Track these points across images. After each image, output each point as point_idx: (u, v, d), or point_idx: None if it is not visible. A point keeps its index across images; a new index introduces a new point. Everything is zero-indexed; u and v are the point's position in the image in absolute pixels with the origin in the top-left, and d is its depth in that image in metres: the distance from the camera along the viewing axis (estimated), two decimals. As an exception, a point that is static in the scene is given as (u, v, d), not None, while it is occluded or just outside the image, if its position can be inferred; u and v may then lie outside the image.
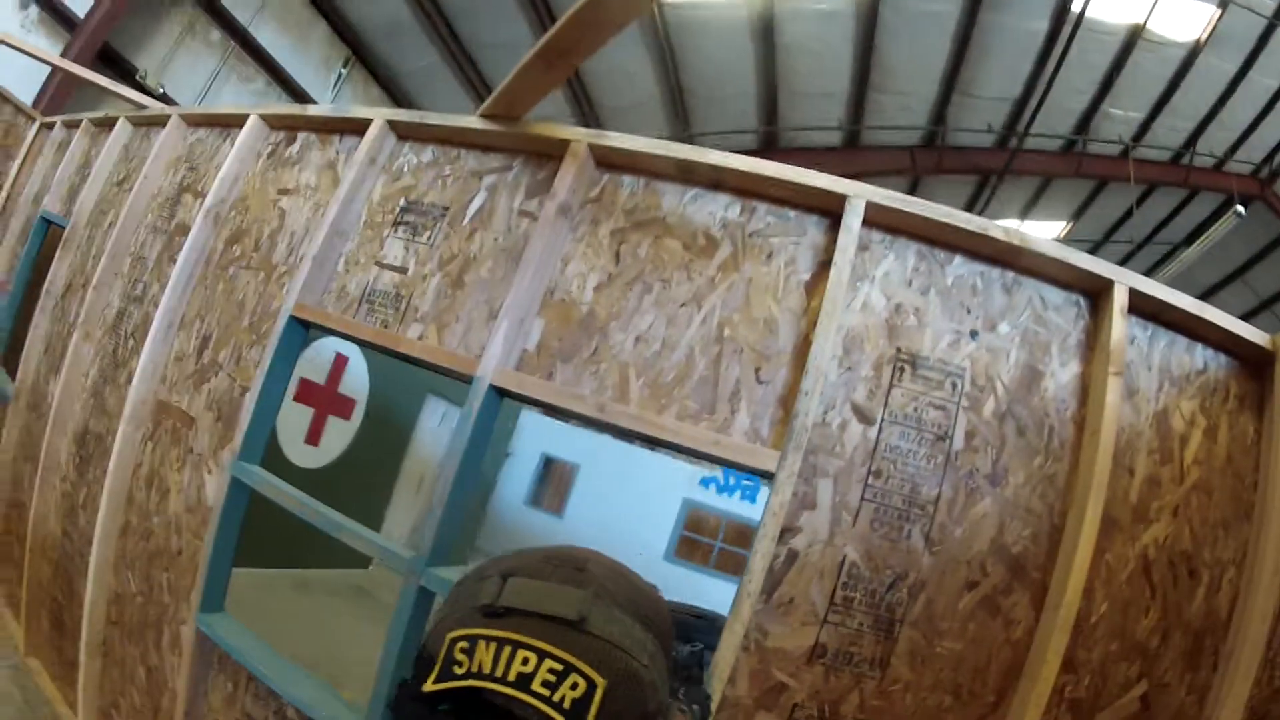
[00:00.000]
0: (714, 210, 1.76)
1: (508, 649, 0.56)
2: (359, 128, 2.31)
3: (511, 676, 0.55)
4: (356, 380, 5.46)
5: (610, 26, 1.48)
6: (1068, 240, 9.12)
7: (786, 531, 1.53)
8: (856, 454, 1.59)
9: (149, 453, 2.49)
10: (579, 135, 1.86)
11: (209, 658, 2.16)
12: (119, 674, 2.46)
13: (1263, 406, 1.84)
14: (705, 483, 9.93)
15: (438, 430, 7.49)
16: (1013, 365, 1.70)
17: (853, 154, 9.57)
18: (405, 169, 2.19)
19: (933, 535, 1.58)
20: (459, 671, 0.56)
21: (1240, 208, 6.25)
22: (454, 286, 1.96)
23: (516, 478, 10.63)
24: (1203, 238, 7.03)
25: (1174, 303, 1.75)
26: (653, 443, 1.62)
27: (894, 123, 9.13)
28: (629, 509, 9.89)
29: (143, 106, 4.11)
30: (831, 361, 1.61)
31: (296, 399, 4.98)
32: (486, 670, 0.55)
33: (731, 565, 9.86)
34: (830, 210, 1.72)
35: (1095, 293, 1.76)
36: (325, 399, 5.21)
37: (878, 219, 1.70)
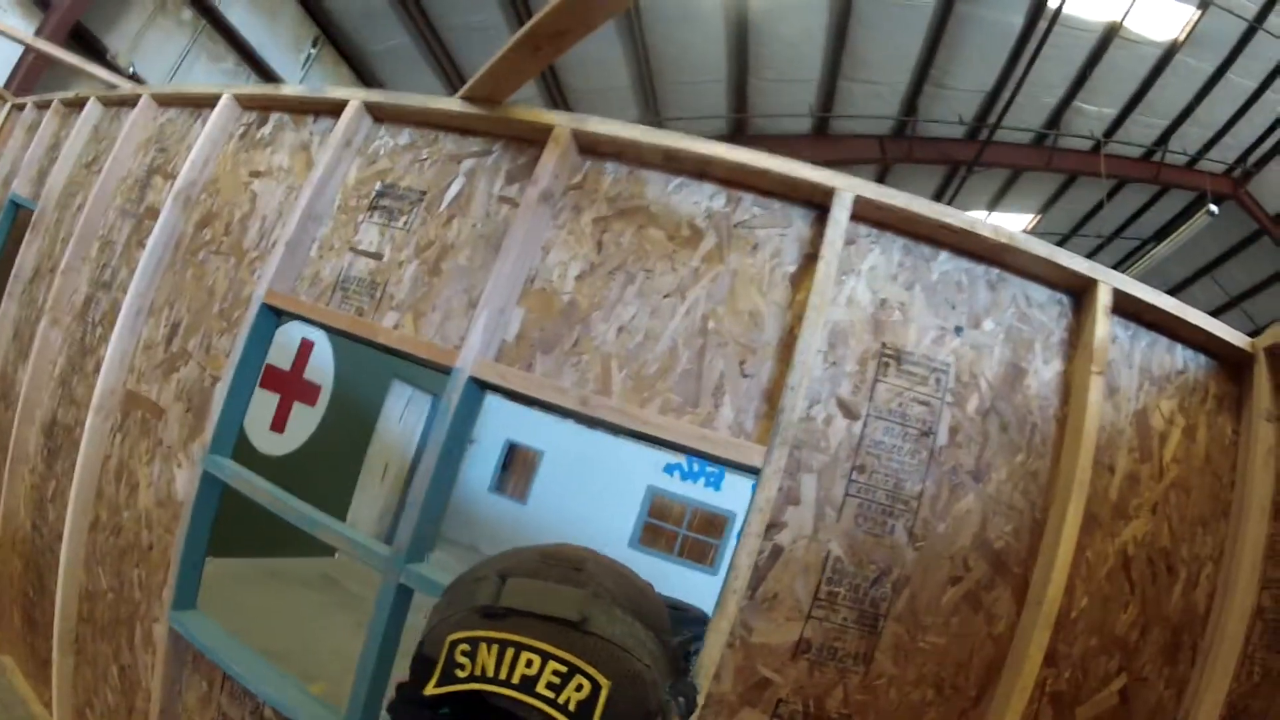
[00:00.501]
0: (699, 200, 1.73)
1: (510, 651, 0.55)
2: (335, 109, 2.24)
3: (515, 679, 0.54)
4: (322, 366, 5.37)
5: (603, 11, 1.44)
6: (1035, 232, 9.23)
7: (771, 527, 1.52)
8: (841, 449, 1.58)
9: (118, 445, 2.40)
10: (562, 121, 1.82)
11: (183, 656, 2.10)
12: (92, 673, 2.39)
13: (1241, 408, 1.87)
14: (669, 469, 9.88)
15: (403, 416, 7.39)
16: (997, 362, 1.70)
17: (822, 141, 9.52)
18: (381, 152, 2.13)
19: (916, 531, 1.58)
20: (461, 675, 0.55)
21: (1213, 207, 6.34)
22: (431, 274, 1.91)
23: (480, 464, 10.50)
24: (1175, 235, 7.12)
25: (1156, 303, 1.76)
26: (636, 437, 1.59)
27: (865, 111, 9.09)
28: (593, 496, 9.84)
29: (114, 86, 3.98)
30: (817, 356, 1.59)
31: (262, 385, 4.88)
32: (490, 673, 0.55)
33: (696, 552, 9.87)
34: (817, 203, 1.70)
35: (1079, 291, 1.77)
36: (291, 385, 5.11)
37: (865, 213, 1.69)
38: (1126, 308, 1.77)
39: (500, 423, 10.36)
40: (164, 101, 2.95)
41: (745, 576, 1.46)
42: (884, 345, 1.64)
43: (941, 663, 1.58)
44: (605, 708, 0.55)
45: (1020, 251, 1.70)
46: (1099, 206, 9.45)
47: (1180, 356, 1.85)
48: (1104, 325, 1.71)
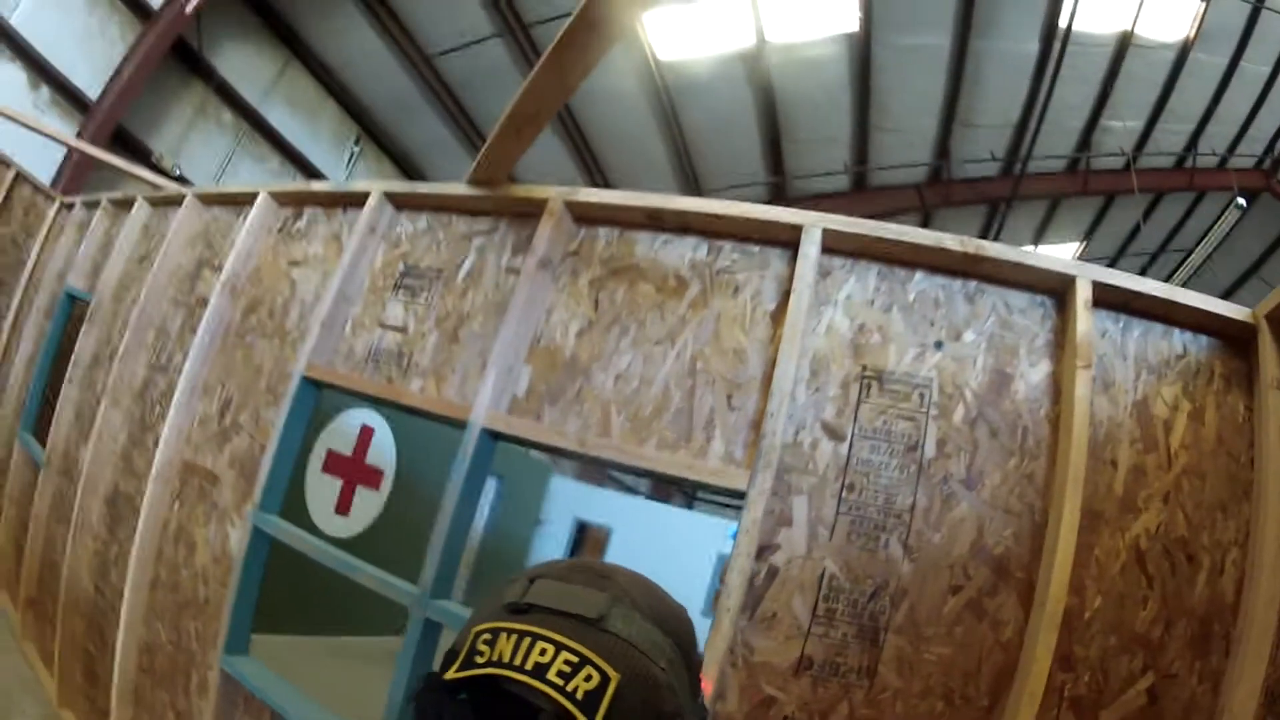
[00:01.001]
0: (683, 252, 1.88)
1: (527, 640, 0.58)
2: (360, 200, 2.51)
3: (529, 666, 0.57)
4: (384, 451, 5.65)
5: (562, 93, 1.62)
6: (1084, 258, 9.01)
7: (765, 549, 1.61)
8: (829, 470, 1.67)
9: (176, 510, 2.67)
10: (554, 194, 2.00)
11: (233, 699, 2.28)
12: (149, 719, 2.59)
13: (1251, 383, 1.80)
14: (734, 534, 9.83)
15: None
16: (980, 371, 1.76)
17: (861, 196, 9.67)
18: (403, 236, 2.37)
19: (910, 543, 1.64)
20: (480, 661, 0.58)
21: (1241, 200, 6.11)
22: (450, 341, 2.11)
23: (551, 544, 10.70)
24: (1207, 236, 6.88)
25: (1141, 290, 1.76)
26: (634, 472, 1.72)
27: (899, 161, 9.23)
28: (664, 567, 9.54)
29: (159, 187, 4.40)
30: (799, 384, 1.70)
31: (325, 470, 5.17)
32: (506, 660, 0.57)
33: None
34: (791, 241, 1.82)
35: (1060, 292, 1.80)
36: (353, 470, 5.40)
37: (836, 245, 1.80)
38: (1112, 299, 1.77)
39: (567, 501, 10.64)
40: (208, 201, 3.31)
41: (738, 595, 1.55)
42: (864, 368, 1.73)
43: (949, 673, 1.62)
44: (613, 701, 0.56)
45: (992, 260, 1.77)
46: (1140, 224, 9.26)
47: (1178, 340, 1.83)
48: (1085, 319, 1.73)
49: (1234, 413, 1.81)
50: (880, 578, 1.62)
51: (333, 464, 5.23)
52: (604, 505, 10.14)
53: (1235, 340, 1.82)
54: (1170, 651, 1.73)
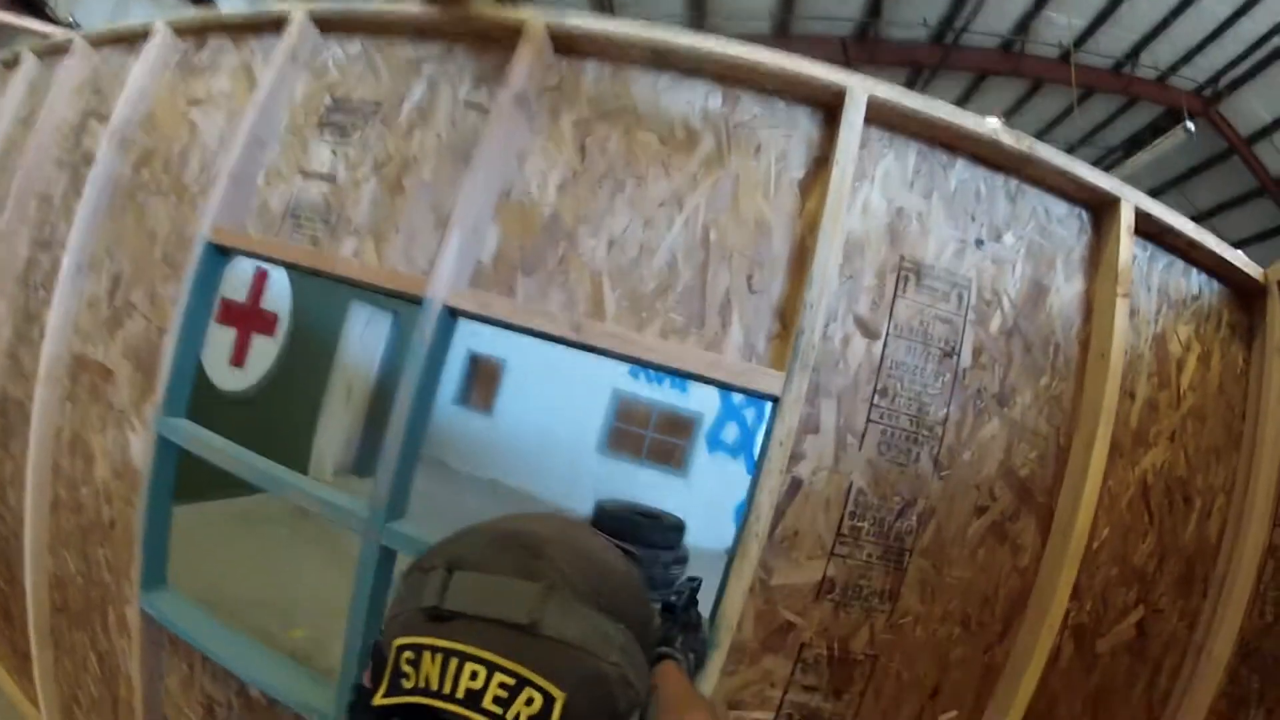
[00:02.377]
0: (692, 99, 1.47)
1: (454, 662, 0.49)
2: (278, 24, 1.90)
3: (460, 693, 0.48)
4: (279, 294, 4.94)
5: None
6: None
7: (789, 459, 1.29)
8: (861, 371, 1.35)
9: (70, 414, 2.06)
10: (535, 17, 1.53)
11: (159, 639, 1.84)
12: (72, 664, 2.10)
13: (1252, 337, 1.73)
14: (634, 372, 9.26)
15: (364, 336, 6.88)
16: (1019, 279, 1.49)
17: (782, 43, 8.81)
18: (330, 64, 1.80)
19: (941, 459, 1.37)
20: (407, 685, 0.50)
21: (1190, 124, 6.13)
22: (392, 192, 1.61)
23: (443, 377, 9.95)
24: (1149, 148, 6.88)
25: (1175, 226, 1.59)
26: (636, 364, 1.34)
27: (827, 13, 8.58)
28: (559, 403, 9.26)
29: (50, 37, 3.49)
30: (834, 270, 1.36)
31: (218, 320, 4.46)
32: (434, 685, 0.49)
33: (663, 454, 9.45)
34: (824, 103, 1.45)
35: (1098, 207, 1.57)
36: (248, 317, 4.69)
37: (877, 115, 1.44)
38: (1146, 228, 1.58)
39: (460, 333, 9.74)
40: (98, 42, 2.53)
41: (768, 517, 1.23)
42: (903, 258, 1.41)
43: (967, 598, 1.39)
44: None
45: (1041, 162, 1.48)
46: (1066, 113, 9.05)
47: (1195, 281, 1.68)
48: (1128, 245, 1.51)
49: (1234, 363, 1.70)
50: (909, 495, 1.34)
51: (226, 312, 4.51)
52: (497, 337, 9.17)
53: (1242, 292, 1.71)
54: (1160, 587, 1.60)
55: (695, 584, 1.18)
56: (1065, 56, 8.19)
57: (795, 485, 1.30)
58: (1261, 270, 1.71)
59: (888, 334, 1.37)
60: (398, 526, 1.48)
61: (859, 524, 1.32)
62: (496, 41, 1.60)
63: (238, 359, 4.69)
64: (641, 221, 1.41)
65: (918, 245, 1.43)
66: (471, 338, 9.74)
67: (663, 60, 1.49)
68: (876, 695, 1.35)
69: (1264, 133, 8.44)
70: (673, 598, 1.08)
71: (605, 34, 1.49)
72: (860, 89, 1.41)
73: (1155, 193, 10.03)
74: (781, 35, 9.03)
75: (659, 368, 1.32)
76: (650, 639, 0.61)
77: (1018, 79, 9.12)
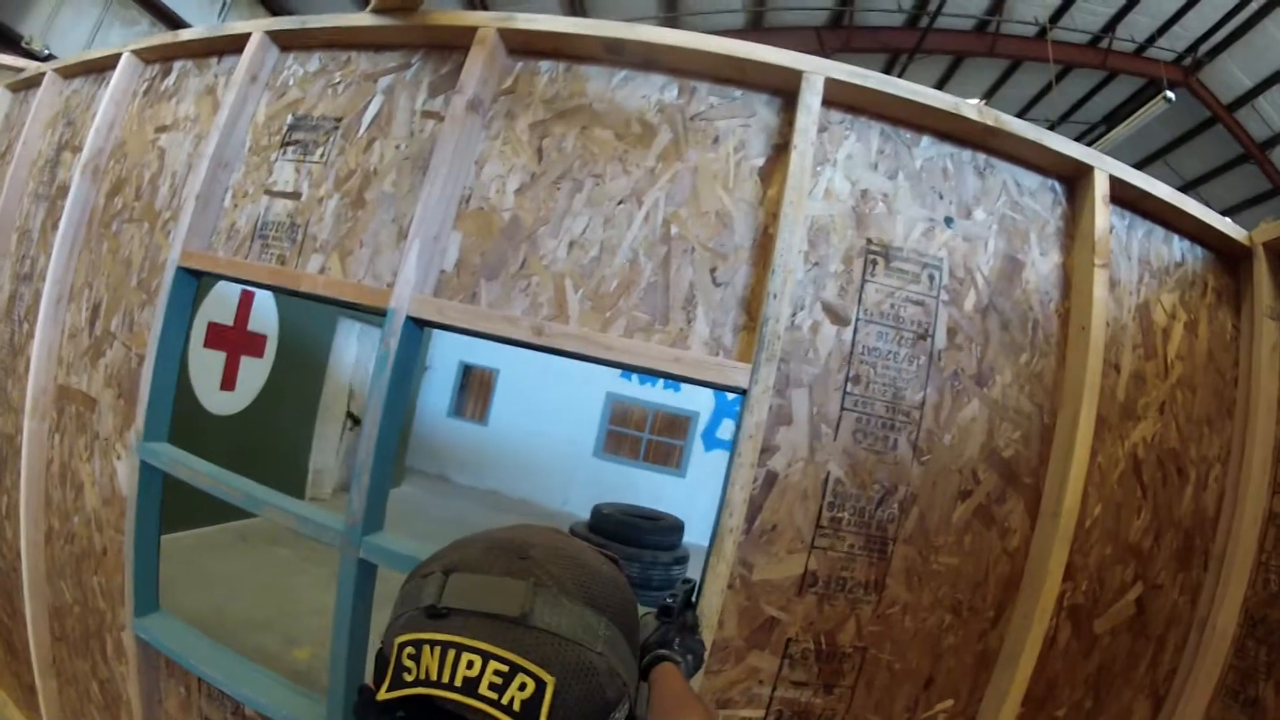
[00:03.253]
0: (648, 93, 1.42)
1: (452, 652, 0.52)
2: (238, 45, 1.86)
3: (458, 681, 0.51)
4: (265, 315, 4.91)
5: None
6: None
7: (762, 452, 1.24)
8: (832, 359, 1.30)
9: (58, 446, 2.05)
10: (486, 20, 1.48)
11: (155, 662, 1.82)
12: (75, 693, 2.08)
13: (1240, 302, 1.67)
14: (626, 374, 9.12)
15: (353, 350, 6.83)
16: (991, 255, 1.43)
17: (756, 36, 8.62)
18: (291, 81, 1.76)
19: (920, 443, 1.31)
20: (409, 679, 0.52)
21: (1170, 93, 5.99)
22: (354, 206, 1.57)
23: (436, 390, 9.71)
24: (1130, 120, 6.70)
25: (1152, 192, 1.53)
26: (602, 364, 1.29)
27: (800, 3, 8.42)
28: (553, 409, 9.19)
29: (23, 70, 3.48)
30: (798, 257, 1.30)
31: (206, 345, 4.42)
32: (433, 676, 0.52)
33: (661, 455, 9.35)
34: (781, 88, 1.40)
35: (1072, 178, 1.52)
36: (236, 340, 4.66)
37: (836, 97, 1.39)
38: (1122, 196, 1.53)
39: (452, 345, 9.56)
40: (68, 73, 2.52)
41: (741, 512, 1.18)
42: (870, 241, 1.36)
43: (956, 584, 1.33)
44: (552, 704, 0.51)
45: (1008, 135, 1.43)
46: (1045, 91, 8.87)
47: (1177, 248, 1.63)
48: (1104, 214, 1.46)
49: (1223, 329, 1.64)
50: (888, 482, 1.29)
51: (214, 337, 4.48)
52: (488, 347, 8.88)
53: (1228, 257, 1.65)
54: (1158, 562, 1.53)
55: (690, 586, 1.16)
56: (1042, 34, 8.07)
57: (771, 478, 1.25)
58: (1245, 233, 1.65)
59: (858, 319, 1.32)
60: (375, 540, 1.44)
61: (839, 515, 1.26)
62: (450, 48, 1.56)
63: (228, 382, 4.66)
64: (601, 220, 1.37)
65: (885, 227, 1.37)
66: (463, 349, 9.69)
67: (616, 55, 1.44)
68: (868, 688, 1.29)
69: (1245, 99, 8.30)
70: (669, 600, 1.07)
71: (557, 32, 1.45)
72: (816, 71, 1.36)
73: (1140, 165, 9.86)
74: (755, 28, 8.91)
75: (624, 366, 1.27)
76: (636, 635, 0.63)
77: (995, 59, 8.96)
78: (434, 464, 9.43)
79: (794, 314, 1.30)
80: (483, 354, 9.62)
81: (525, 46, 1.49)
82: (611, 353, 1.29)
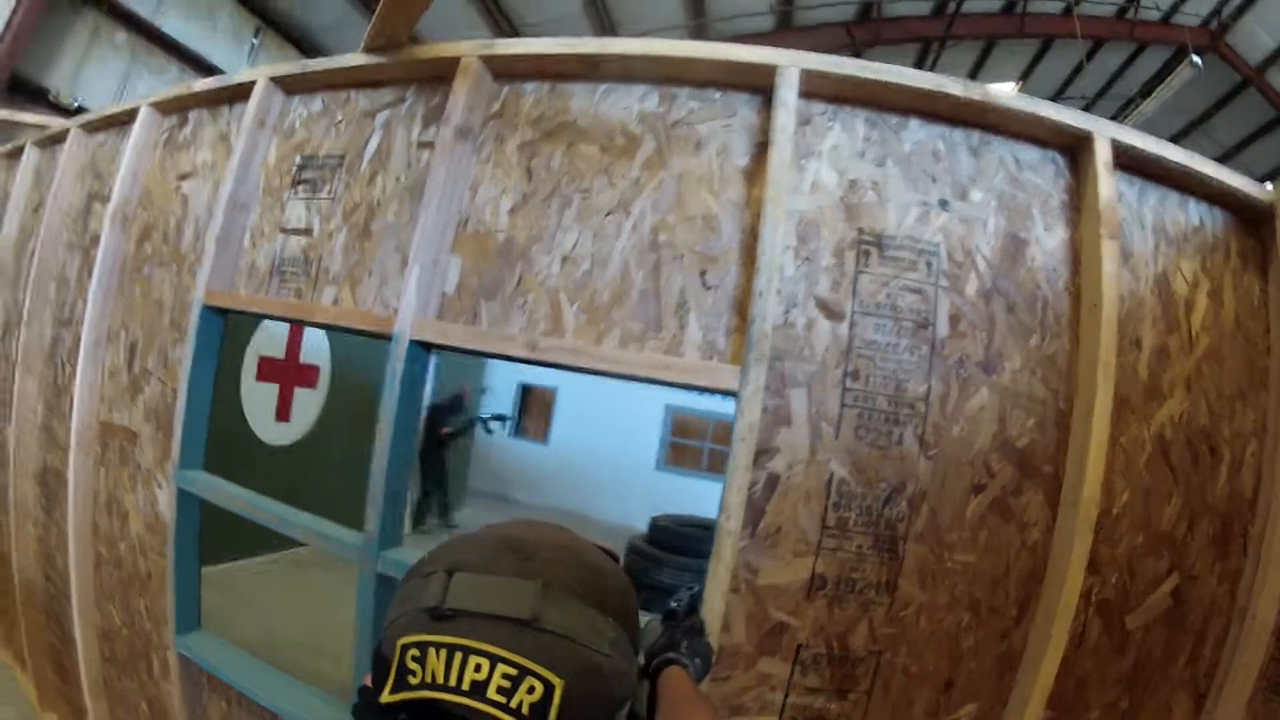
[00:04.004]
0: (629, 104, 1.41)
1: (459, 655, 0.51)
2: (246, 92, 1.94)
3: (465, 685, 0.50)
4: (317, 345, 5.02)
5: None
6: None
7: (762, 454, 1.21)
8: (829, 355, 1.27)
9: (104, 478, 2.17)
10: (467, 50, 1.50)
11: (197, 679, 1.89)
12: (124, 712, 2.18)
13: (1267, 264, 1.55)
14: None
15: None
16: (992, 235, 1.38)
17: (787, 36, 8.62)
18: (297, 124, 1.83)
19: (927, 437, 1.27)
20: (413, 681, 0.51)
21: (1196, 58, 5.69)
22: (361, 238, 1.61)
23: (499, 408, 9.60)
24: (1159, 90, 6.42)
25: (1162, 154, 1.44)
26: (594, 374, 1.29)
27: (828, 0, 8.31)
28: (614, 424, 9.06)
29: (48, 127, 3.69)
30: (786, 253, 1.28)
31: (259, 378, 4.55)
32: (440, 680, 0.51)
33: (723, 464, 9.22)
34: (760, 86, 1.38)
35: (1072, 148, 1.44)
36: (288, 372, 4.78)
37: (816, 88, 1.36)
38: (1128, 162, 1.44)
39: (510, 366, 9.67)
40: (92, 128, 2.67)
41: (739, 515, 1.16)
42: (861, 231, 1.32)
43: (974, 582, 1.28)
44: (561, 708, 0.50)
45: (999, 109, 1.37)
46: (1079, 69, 8.59)
47: (1194, 212, 1.53)
48: (1108, 183, 1.38)
49: (1250, 294, 1.53)
50: (895, 479, 1.24)
51: (266, 370, 4.61)
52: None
53: (1250, 218, 1.54)
54: (1193, 551, 1.44)
55: (695, 592, 1.15)
56: (1068, 10, 7.78)
57: (772, 481, 1.22)
58: (1268, 191, 1.54)
59: (853, 313, 1.28)
60: (393, 554, 1.47)
61: (845, 515, 1.22)
62: (440, 79, 1.59)
63: (282, 414, 4.80)
64: (591, 234, 1.37)
65: (876, 215, 1.34)
66: (521, 369, 9.80)
67: (596, 70, 1.44)
68: (885, 692, 1.25)
69: (1274, 58, 7.85)
70: (674, 604, 1.06)
71: (538, 54, 1.46)
72: (790, 64, 1.33)
73: (1178, 136, 9.44)
74: (784, 29, 8.81)
75: (618, 376, 1.27)
76: (637, 632, 0.62)
77: (1026, 40, 8.68)
78: (495, 485, 9.52)
79: (786, 312, 1.27)
80: (540, 373, 9.72)
81: (509, 70, 1.50)
82: (605, 364, 1.28)
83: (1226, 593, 1.45)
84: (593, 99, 1.44)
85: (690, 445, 9.38)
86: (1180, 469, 1.42)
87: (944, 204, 1.35)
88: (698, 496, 8.79)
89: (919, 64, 9.35)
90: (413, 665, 0.52)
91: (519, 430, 9.95)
